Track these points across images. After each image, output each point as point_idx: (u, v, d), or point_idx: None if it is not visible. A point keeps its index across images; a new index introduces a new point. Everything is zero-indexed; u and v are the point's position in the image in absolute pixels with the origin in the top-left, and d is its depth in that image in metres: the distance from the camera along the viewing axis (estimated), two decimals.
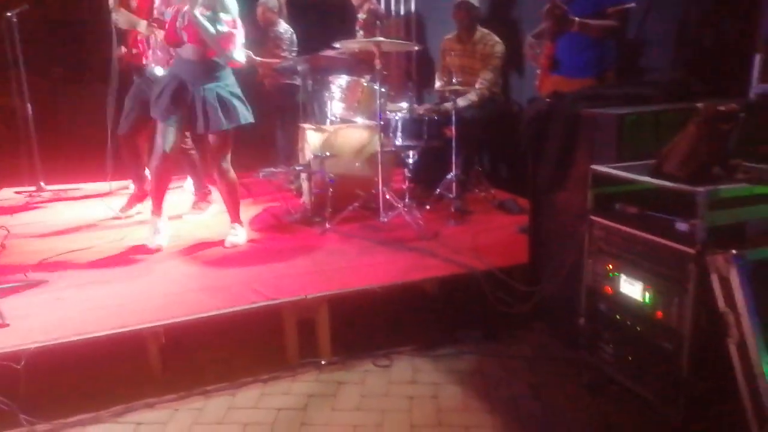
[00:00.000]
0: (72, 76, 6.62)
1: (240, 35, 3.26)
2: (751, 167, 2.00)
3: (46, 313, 2.59)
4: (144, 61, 3.97)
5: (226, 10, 3.19)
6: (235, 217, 3.57)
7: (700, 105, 1.91)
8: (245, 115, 3.35)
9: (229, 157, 3.45)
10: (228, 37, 3.19)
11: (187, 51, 3.26)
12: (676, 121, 2.21)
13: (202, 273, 3.08)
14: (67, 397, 2.39)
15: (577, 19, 2.94)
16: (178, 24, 3.20)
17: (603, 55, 3.11)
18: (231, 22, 3.21)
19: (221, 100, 3.27)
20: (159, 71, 3.89)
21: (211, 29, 3.13)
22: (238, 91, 3.38)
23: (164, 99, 3.27)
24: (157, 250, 3.39)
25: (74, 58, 6.50)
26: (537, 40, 3.29)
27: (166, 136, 3.29)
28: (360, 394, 2.43)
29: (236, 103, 3.32)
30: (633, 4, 2.99)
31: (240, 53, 3.28)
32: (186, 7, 3.15)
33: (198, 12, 3.11)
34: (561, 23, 2.99)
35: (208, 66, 3.28)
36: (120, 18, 3.81)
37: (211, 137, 3.38)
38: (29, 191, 5.04)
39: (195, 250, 3.43)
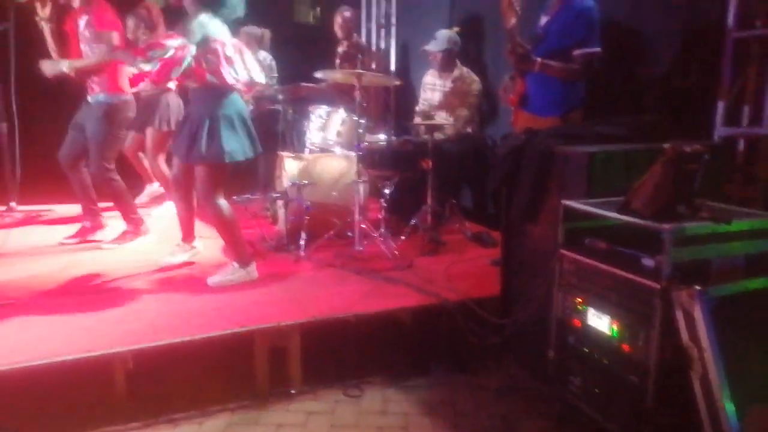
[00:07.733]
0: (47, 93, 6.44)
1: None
2: (715, 206, 2.08)
3: (10, 336, 2.54)
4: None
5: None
6: (231, 255, 3.36)
7: (666, 146, 1.98)
8: (218, 153, 3.04)
9: (216, 193, 3.17)
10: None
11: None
12: (644, 160, 2.28)
13: (173, 298, 3.04)
14: (29, 422, 2.32)
15: (539, 60, 2.99)
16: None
17: (569, 94, 3.13)
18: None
19: (206, 129, 3.05)
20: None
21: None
22: (225, 123, 3.08)
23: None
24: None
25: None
26: (512, 81, 3.33)
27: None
28: (330, 424, 2.41)
29: (209, 136, 3.04)
30: (598, 49, 3.04)
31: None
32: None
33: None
34: (522, 63, 3.04)
35: (205, 92, 3.12)
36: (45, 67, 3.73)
37: (195, 169, 3.18)
38: None
39: (167, 275, 3.39)
